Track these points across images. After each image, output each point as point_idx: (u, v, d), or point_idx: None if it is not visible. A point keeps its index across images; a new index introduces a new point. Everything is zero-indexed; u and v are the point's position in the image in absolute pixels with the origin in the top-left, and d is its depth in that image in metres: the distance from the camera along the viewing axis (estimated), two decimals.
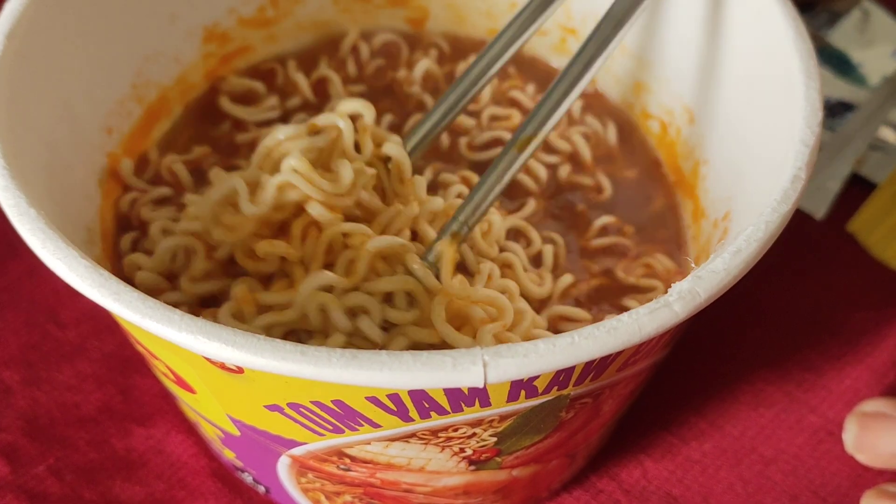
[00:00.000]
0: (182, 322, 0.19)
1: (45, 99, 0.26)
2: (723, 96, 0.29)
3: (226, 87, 0.34)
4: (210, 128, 0.33)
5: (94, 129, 0.29)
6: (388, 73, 0.35)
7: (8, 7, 0.26)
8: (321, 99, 0.34)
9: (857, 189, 0.39)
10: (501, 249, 0.29)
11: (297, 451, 0.24)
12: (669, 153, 0.32)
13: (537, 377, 0.21)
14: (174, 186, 0.31)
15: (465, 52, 0.36)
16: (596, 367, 0.22)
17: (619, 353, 0.22)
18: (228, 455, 0.28)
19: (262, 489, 0.30)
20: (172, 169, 0.31)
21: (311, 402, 0.21)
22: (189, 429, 0.32)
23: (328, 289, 0.24)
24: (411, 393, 0.21)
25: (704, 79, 0.30)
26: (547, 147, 0.32)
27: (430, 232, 0.27)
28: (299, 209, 0.26)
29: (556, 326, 0.27)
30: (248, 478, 0.30)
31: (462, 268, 0.27)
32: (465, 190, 0.30)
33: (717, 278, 0.21)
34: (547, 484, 0.29)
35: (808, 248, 0.38)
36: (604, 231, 0.30)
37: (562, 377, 0.21)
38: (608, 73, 0.34)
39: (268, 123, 0.33)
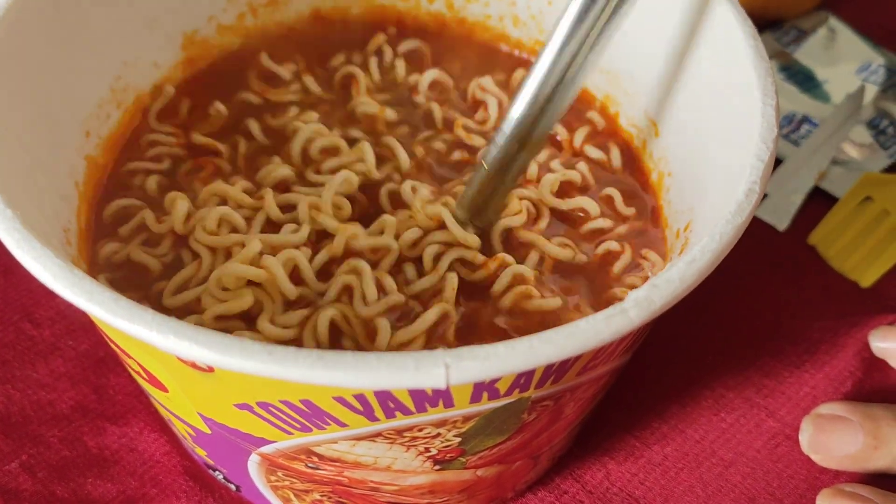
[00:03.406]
0: (153, 321, 0.20)
1: (25, 100, 0.27)
2: (685, 111, 0.30)
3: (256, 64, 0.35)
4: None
5: (72, 131, 0.30)
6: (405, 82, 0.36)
7: None
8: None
9: (819, 202, 0.41)
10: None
11: (266, 449, 0.25)
12: (638, 165, 0.33)
13: (498, 379, 0.21)
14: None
15: (491, 67, 0.37)
16: (556, 371, 0.22)
17: (578, 357, 0.22)
18: (200, 453, 0.29)
19: (233, 487, 0.30)
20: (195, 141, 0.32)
21: (280, 401, 0.22)
22: (162, 427, 0.32)
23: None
24: (377, 393, 0.21)
25: (668, 94, 0.31)
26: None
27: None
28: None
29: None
30: (219, 476, 0.30)
31: None
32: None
33: (671, 287, 0.22)
34: (511, 484, 0.30)
35: (771, 260, 0.39)
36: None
37: (522, 380, 0.22)
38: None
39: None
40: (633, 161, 0.33)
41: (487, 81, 0.35)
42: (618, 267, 0.30)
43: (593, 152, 0.33)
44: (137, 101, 0.33)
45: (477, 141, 0.33)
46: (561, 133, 0.34)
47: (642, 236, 0.31)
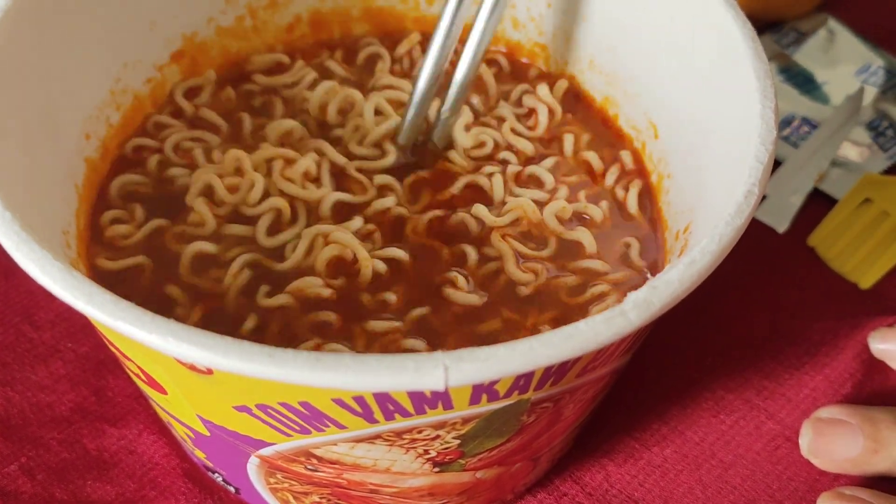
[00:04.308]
0: (153, 324, 0.20)
1: (25, 103, 0.27)
2: (684, 113, 0.30)
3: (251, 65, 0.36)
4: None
5: (72, 134, 0.30)
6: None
7: None
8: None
9: (819, 204, 0.41)
10: None
11: (265, 451, 0.25)
12: (638, 167, 0.33)
13: (497, 381, 0.21)
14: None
15: (523, 70, 0.37)
16: (555, 373, 0.22)
17: (577, 359, 0.22)
18: (199, 455, 0.29)
19: (232, 489, 0.30)
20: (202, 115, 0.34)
21: (279, 403, 0.22)
22: (161, 429, 0.32)
23: None
24: (376, 395, 0.21)
25: (668, 95, 0.31)
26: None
27: None
28: None
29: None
30: (218, 478, 0.30)
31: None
32: None
33: (671, 288, 0.22)
34: (511, 486, 0.30)
35: (770, 261, 0.39)
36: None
37: (522, 381, 0.22)
38: (579, 89, 0.36)
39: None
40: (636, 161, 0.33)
41: (544, 90, 0.35)
42: (596, 310, 0.28)
43: (620, 193, 0.32)
44: (136, 103, 0.33)
45: (523, 145, 0.33)
46: (595, 164, 0.33)
47: (632, 286, 0.29)
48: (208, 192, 0.31)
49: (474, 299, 0.28)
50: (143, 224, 0.30)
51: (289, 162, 0.31)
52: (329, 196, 0.31)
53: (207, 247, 0.29)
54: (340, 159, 0.32)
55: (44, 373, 0.34)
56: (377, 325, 0.28)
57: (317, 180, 0.31)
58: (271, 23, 0.36)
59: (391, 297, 0.28)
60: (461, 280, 0.29)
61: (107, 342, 0.26)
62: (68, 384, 0.33)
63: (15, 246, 0.22)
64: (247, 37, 0.35)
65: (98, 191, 0.31)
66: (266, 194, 0.31)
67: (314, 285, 0.28)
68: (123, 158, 0.32)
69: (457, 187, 0.32)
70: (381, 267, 0.29)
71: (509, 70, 0.37)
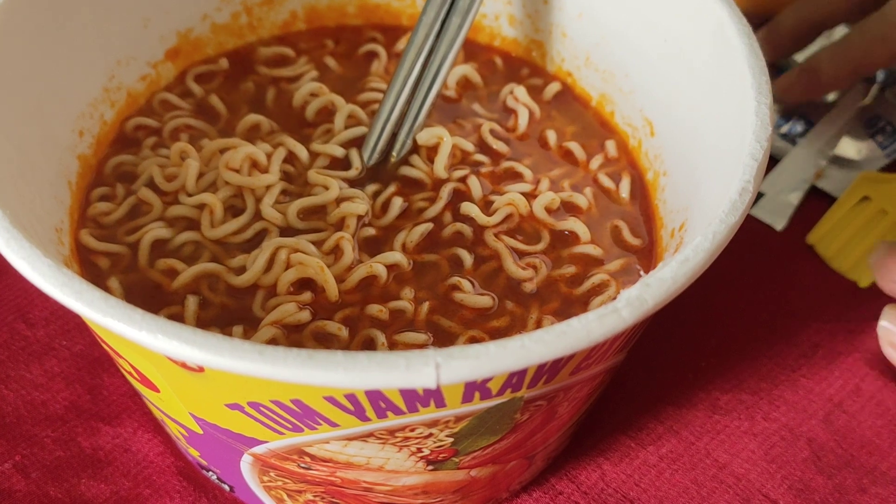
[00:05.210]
0: (143, 321, 0.20)
1: (16, 100, 0.27)
2: (680, 110, 0.30)
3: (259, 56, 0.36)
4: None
5: (64, 131, 0.29)
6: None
7: None
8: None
9: (817, 202, 0.40)
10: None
11: (258, 449, 0.25)
12: (634, 164, 0.33)
13: (490, 379, 0.21)
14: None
15: (517, 68, 0.36)
16: (548, 371, 0.22)
17: (570, 357, 0.22)
18: (193, 453, 0.29)
19: (226, 488, 0.30)
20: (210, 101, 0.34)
21: (271, 400, 0.22)
22: (156, 428, 0.32)
23: None
24: (367, 393, 0.21)
25: (664, 92, 0.31)
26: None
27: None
28: None
29: None
30: (213, 476, 0.30)
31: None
32: None
33: (664, 286, 0.22)
34: (506, 485, 0.30)
35: (768, 260, 0.39)
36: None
37: (514, 379, 0.22)
38: (575, 86, 0.35)
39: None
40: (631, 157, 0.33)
41: (521, 92, 0.34)
42: (598, 301, 0.28)
43: (605, 180, 0.32)
44: (131, 100, 0.33)
45: (498, 146, 0.33)
46: (578, 153, 0.33)
47: (632, 273, 0.30)
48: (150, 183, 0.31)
49: (487, 301, 0.28)
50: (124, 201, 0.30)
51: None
52: (294, 203, 0.30)
53: (163, 232, 0.29)
54: (302, 151, 0.31)
55: (38, 371, 0.33)
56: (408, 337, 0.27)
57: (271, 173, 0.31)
58: (267, 19, 0.36)
59: (407, 305, 0.28)
60: (466, 284, 0.28)
61: (99, 340, 0.26)
62: (63, 382, 0.33)
63: (5, 242, 0.22)
64: (242, 34, 0.35)
65: (91, 189, 0.31)
66: (215, 187, 0.30)
67: (290, 313, 0.27)
68: (123, 136, 0.32)
69: (437, 207, 0.31)
70: (382, 271, 0.28)
71: (503, 69, 0.36)
